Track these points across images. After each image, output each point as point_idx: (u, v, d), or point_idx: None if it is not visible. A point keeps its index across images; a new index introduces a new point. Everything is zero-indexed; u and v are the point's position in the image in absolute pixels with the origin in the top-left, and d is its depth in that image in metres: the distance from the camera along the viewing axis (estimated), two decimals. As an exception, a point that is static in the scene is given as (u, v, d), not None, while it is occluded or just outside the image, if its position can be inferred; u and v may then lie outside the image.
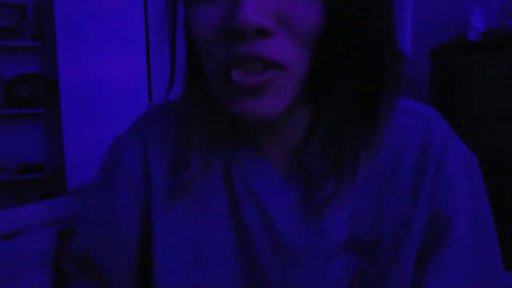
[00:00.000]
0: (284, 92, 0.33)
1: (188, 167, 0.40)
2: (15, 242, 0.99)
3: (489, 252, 0.39)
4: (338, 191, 0.36)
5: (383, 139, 0.36)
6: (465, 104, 1.60)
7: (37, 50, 2.72)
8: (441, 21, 2.05)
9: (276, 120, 0.35)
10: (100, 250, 0.46)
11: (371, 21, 0.32)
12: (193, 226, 0.42)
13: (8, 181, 2.61)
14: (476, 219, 0.39)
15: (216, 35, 0.32)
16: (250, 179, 0.41)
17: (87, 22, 2.21)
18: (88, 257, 0.46)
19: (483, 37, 1.66)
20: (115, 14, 2.23)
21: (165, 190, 0.43)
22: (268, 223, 0.40)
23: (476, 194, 0.39)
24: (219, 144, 0.41)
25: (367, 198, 0.39)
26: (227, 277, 0.41)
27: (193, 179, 0.40)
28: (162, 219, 0.43)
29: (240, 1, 0.29)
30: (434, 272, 0.37)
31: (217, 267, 0.41)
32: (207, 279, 0.41)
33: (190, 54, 0.40)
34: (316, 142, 0.38)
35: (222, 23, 0.31)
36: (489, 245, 0.39)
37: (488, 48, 1.58)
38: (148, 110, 0.49)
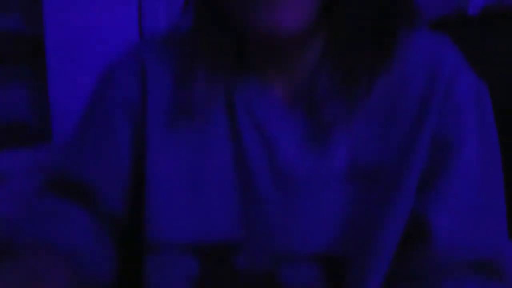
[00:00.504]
0: (302, 6, 0.33)
1: (193, 83, 0.38)
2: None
3: (494, 187, 0.38)
4: (346, 111, 0.36)
5: (395, 57, 0.36)
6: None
7: (21, 4, 2.62)
8: (441, -6, 2.02)
9: (287, 48, 0.35)
10: (91, 167, 0.42)
11: None
12: (191, 152, 0.41)
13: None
14: (483, 151, 0.37)
15: None
16: (253, 108, 0.40)
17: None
18: (74, 175, 0.42)
19: (483, 12, 1.64)
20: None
21: (163, 110, 0.41)
22: (270, 152, 0.39)
23: (484, 126, 0.38)
24: (224, 71, 0.40)
25: (372, 124, 0.38)
26: (224, 206, 0.40)
27: (196, 101, 0.39)
28: (158, 141, 0.41)
29: None
30: (436, 198, 0.36)
31: (214, 196, 0.40)
32: (203, 209, 0.40)
33: None
34: (328, 63, 0.37)
35: None
36: (494, 180, 0.38)
37: (488, 23, 1.56)
38: (149, 36, 0.47)
